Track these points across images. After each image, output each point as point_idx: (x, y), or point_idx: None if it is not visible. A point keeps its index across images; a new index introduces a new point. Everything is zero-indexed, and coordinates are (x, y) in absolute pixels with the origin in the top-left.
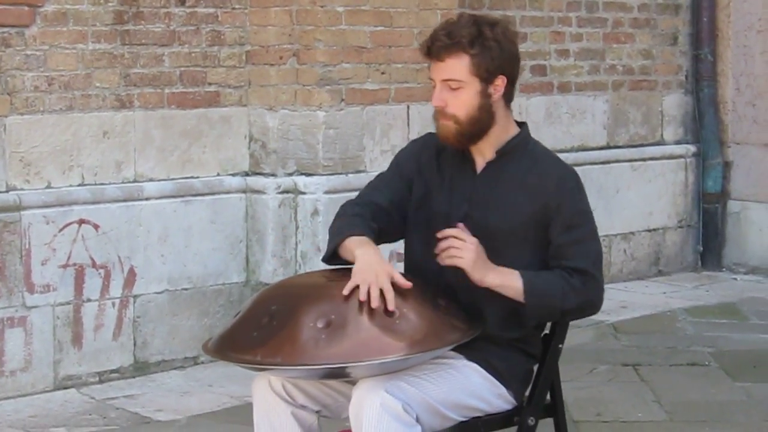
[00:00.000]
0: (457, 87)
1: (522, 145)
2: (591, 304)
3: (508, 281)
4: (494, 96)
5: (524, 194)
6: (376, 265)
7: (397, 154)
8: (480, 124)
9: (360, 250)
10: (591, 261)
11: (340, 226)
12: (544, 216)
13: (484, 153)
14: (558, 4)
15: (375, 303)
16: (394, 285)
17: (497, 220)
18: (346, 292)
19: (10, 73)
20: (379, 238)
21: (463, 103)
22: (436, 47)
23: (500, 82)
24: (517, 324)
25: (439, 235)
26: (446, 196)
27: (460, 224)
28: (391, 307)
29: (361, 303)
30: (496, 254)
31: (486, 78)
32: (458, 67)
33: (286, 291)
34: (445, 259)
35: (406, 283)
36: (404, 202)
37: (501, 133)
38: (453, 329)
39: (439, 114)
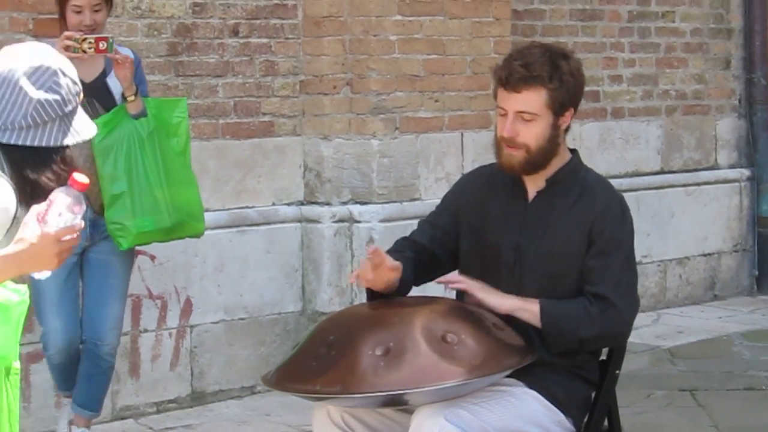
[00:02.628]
0: (530, 119)
1: (572, 173)
2: (609, 334)
3: (526, 305)
4: (562, 128)
5: (573, 222)
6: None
7: (446, 191)
8: (547, 154)
9: None
10: (614, 289)
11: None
12: (590, 241)
13: (536, 182)
14: (610, 29)
15: (367, 275)
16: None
17: (547, 249)
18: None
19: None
20: (428, 272)
21: (535, 134)
22: (513, 79)
23: (569, 114)
24: (574, 352)
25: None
26: (498, 226)
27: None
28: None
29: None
30: (547, 283)
31: (558, 111)
32: (535, 100)
33: (343, 321)
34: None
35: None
36: (448, 237)
37: (556, 162)
38: (510, 354)
39: (507, 143)
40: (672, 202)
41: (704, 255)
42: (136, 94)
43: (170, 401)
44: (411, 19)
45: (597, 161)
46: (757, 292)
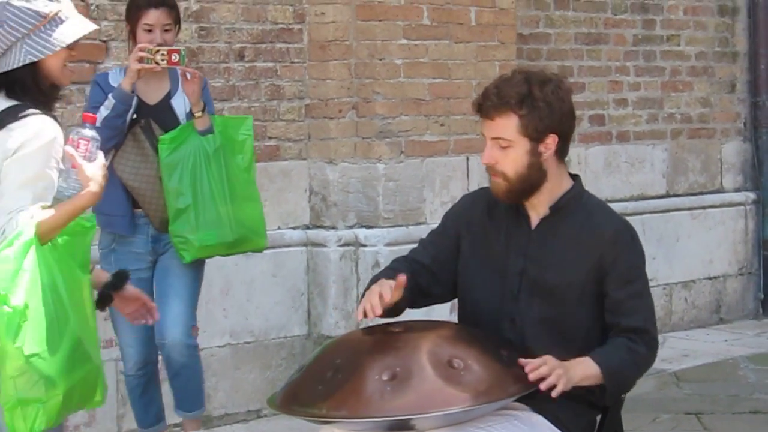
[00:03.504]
0: (506, 145)
1: (575, 200)
2: (651, 364)
3: (588, 372)
4: (545, 154)
5: (580, 249)
6: (373, 287)
7: (447, 210)
8: (530, 181)
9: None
10: (650, 319)
11: (373, 277)
12: (600, 270)
13: (537, 208)
14: (615, 53)
15: (377, 312)
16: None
17: (554, 276)
18: (359, 317)
19: (70, 130)
20: (417, 297)
21: (512, 161)
22: (486, 106)
23: (551, 140)
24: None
25: (522, 362)
26: (502, 250)
27: (522, 360)
28: (386, 297)
29: (426, 355)
30: (553, 310)
31: (535, 137)
32: (507, 126)
33: (349, 345)
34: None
35: (402, 278)
36: (449, 259)
37: (554, 188)
38: (517, 380)
39: (490, 171)
40: (677, 225)
41: (710, 278)
42: (203, 111)
43: (176, 425)
44: (416, 43)
45: (602, 185)
46: (762, 316)
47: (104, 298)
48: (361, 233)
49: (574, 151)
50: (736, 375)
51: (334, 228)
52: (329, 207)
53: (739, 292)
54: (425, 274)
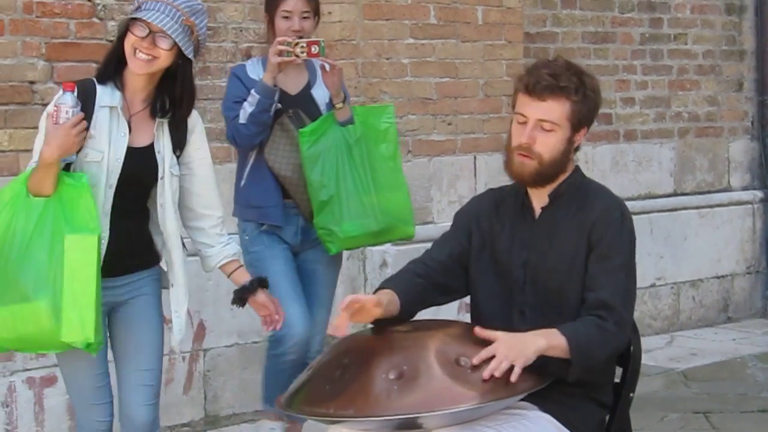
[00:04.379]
0: (550, 129)
1: (574, 186)
2: (619, 348)
3: (554, 342)
4: (575, 144)
5: (576, 232)
6: None
7: (457, 210)
8: (558, 168)
9: None
10: (619, 296)
11: (384, 281)
12: (589, 247)
13: (541, 197)
14: (623, 52)
15: (342, 329)
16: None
17: (554, 263)
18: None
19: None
20: (440, 294)
21: (552, 145)
22: (540, 86)
23: (583, 132)
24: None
25: (474, 362)
26: (507, 244)
27: (477, 328)
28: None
29: (433, 353)
30: (555, 295)
31: (576, 126)
32: (558, 110)
33: (357, 344)
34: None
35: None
36: (464, 255)
37: (561, 179)
38: (524, 378)
39: (522, 150)
40: (685, 224)
41: (717, 277)
42: (344, 102)
43: (184, 425)
44: (423, 42)
45: (610, 184)
46: None
47: (239, 298)
48: None
49: (581, 150)
50: (744, 374)
51: None
52: None
53: (747, 291)
54: (442, 271)
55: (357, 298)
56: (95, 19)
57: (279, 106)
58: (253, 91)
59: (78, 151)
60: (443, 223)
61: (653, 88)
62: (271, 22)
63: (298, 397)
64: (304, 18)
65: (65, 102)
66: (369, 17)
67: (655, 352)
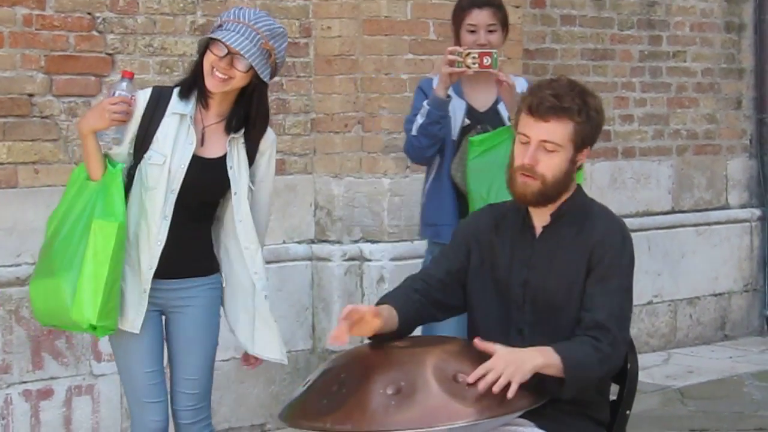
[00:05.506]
0: (552, 149)
1: (575, 205)
2: (616, 367)
3: (548, 360)
4: (578, 164)
5: (576, 253)
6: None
7: (456, 226)
8: (561, 188)
9: None
10: (615, 318)
11: (381, 297)
12: (589, 269)
13: (542, 216)
14: (622, 69)
15: (341, 338)
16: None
17: (554, 283)
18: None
19: (77, 143)
20: (437, 310)
21: (555, 166)
22: (543, 107)
23: (586, 152)
24: (584, 389)
25: (469, 380)
26: (507, 262)
27: (476, 340)
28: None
29: (431, 370)
30: (554, 314)
31: (579, 147)
32: (561, 131)
33: (354, 359)
34: (499, 388)
35: (357, 312)
36: (462, 272)
37: (564, 198)
38: (521, 395)
39: (524, 171)
40: (683, 242)
41: (715, 295)
42: None
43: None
44: (422, 57)
45: (608, 201)
46: (767, 332)
47: None
48: (366, 248)
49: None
50: (741, 392)
51: (338, 242)
52: (334, 221)
53: (745, 309)
54: (441, 287)
55: (356, 309)
56: (94, 33)
57: (467, 122)
58: (425, 103)
59: (144, 152)
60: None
61: (652, 106)
62: (456, 35)
63: (294, 411)
64: (491, 32)
65: (118, 87)
66: (368, 32)
67: (652, 369)
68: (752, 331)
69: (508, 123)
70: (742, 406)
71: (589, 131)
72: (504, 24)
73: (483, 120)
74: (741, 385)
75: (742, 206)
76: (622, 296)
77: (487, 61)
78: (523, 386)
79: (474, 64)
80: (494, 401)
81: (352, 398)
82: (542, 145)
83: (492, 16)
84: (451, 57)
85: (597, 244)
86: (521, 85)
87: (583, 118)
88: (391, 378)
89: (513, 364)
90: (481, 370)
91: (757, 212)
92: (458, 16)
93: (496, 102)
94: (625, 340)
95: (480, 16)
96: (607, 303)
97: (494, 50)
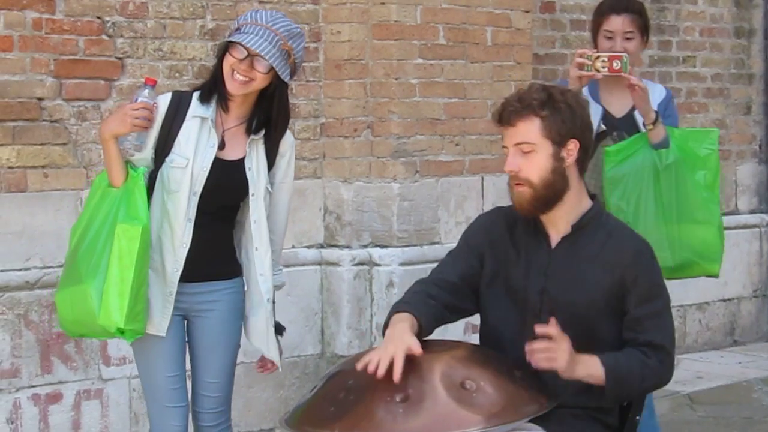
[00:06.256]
0: (529, 150)
1: (596, 219)
2: (665, 381)
3: (593, 371)
4: (567, 160)
5: (601, 269)
6: (395, 339)
7: (465, 229)
8: (554, 188)
9: (391, 329)
10: (668, 337)
11: (397, 302)
12: (621, 288)
13: (557, 225)
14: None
15: (380, 372)
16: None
17: (575, 295)
18: (359, 366)
19: (87, 147)
20: (451, 313)
21: (536, 165)
22: (507, 113)
23: (573, 146)
24: (593, 393)
25: (538, 332)
26: (522, 270)
27: (552, 319)
28: (395, 377)
29: (438, 377)
30: (576, 328)
31: (558, 141)
32: (529, 130)
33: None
34: (540, 362)
35: (419, 351)
36: (475, 277)
37: (576, 204)
38: (530, 401)
39: (513, 180)
40: None
41: (724, 300)
42: (655, 123)
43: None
44: (432, 62)
45: None
46: None
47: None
48: (375, 253)
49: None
50: (750, 397)
51: (348, 247)
52: (343, 226)
53: (754, 315)
54: (453, 292)
55: (410, 349)
56: (104, 36)
57: (603, 127)
58: None
59: (166, 156)
60: (450, 244)
61: None
62: (594, 40)
63: (301, 417)
64: (628, 39)
65: (141, 93)
66: (378, 37)
67: None
68: (761, 337)
69: (643, 130)
70: (751, 412)
71: (561, 123)
72: (643, 31)
73: (619, 126)
74: (750, 390)
75: (752, 212)
76: (668, 314)
77: (617, 64)
78: (530, 392)
79: (603, 67)
80: (502, 408)
81: (359, 405)
82: (519, 149)
83: (630, 23)
84: (580, 60)
85: (630, 266)
86: (659, 92)
87: (548, 111)
88: (398, 385)
89: (570, 358)
90: (549, 330)
91: (767, 218)
92: (596, 21)
93: (633, 108)
94: (674, 355)
95: (617, 23)
96: (659, 324)
97: (624, 53)
